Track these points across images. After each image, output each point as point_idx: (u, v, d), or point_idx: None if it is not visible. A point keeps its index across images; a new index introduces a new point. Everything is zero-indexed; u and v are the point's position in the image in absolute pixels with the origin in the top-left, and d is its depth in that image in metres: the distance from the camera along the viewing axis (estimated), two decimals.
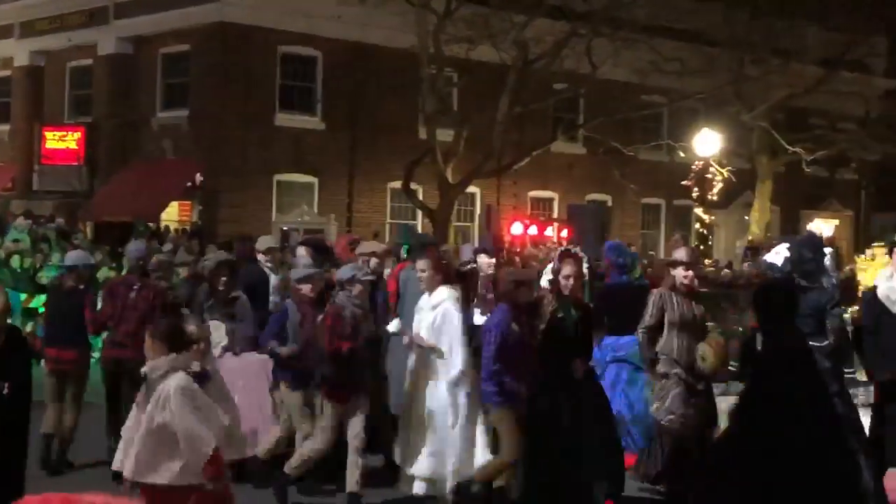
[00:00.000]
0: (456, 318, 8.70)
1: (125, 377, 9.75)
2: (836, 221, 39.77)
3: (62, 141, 29.90)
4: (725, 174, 28.41)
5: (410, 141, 27.61)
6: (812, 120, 34.80)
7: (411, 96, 26.98)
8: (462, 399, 8.66)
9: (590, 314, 8.79)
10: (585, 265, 8.88)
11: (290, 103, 28.45)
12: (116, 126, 29.36)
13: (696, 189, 28.38)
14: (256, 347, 9.65)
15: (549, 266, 9.27)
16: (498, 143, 26.01)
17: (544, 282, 9.21)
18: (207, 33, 27.50)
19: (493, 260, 10.29)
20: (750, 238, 30.64)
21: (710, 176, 28.37)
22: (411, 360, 9.01)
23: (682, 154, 29.51)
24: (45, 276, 17.88)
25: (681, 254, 9.14)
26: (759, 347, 7.19)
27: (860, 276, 18.24)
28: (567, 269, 8.52)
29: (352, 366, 8.61)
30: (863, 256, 20.89)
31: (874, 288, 9.10)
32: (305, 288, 9.20)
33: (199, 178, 27.90)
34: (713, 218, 30.49)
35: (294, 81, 28.56)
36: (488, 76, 26.21)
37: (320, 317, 8.79)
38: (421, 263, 9.08)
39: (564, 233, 26.25)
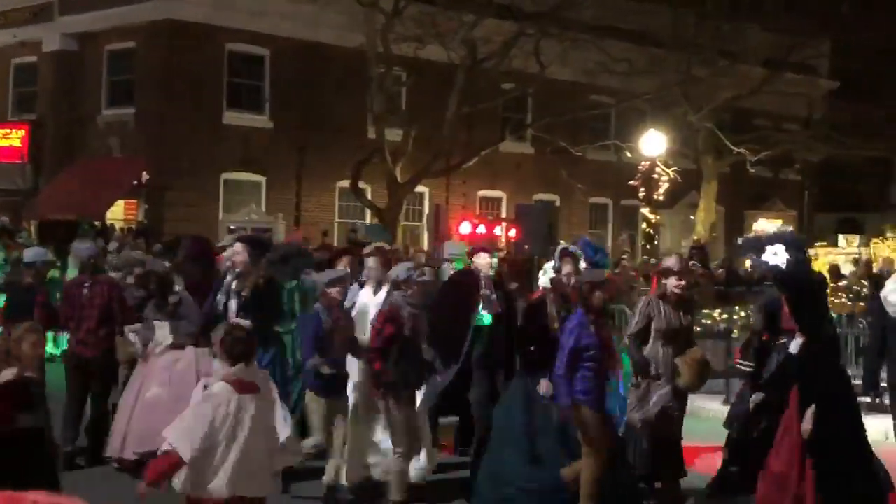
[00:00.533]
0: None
1: (90, 374, 10.19)
2: (780, 221, 40.21)
3: (6, 138, 29.51)
4: (671, 174, 28.69)
5: (359, 140, 27.59)
6: (757, 121, 35.21)
7: (360, 95, 26.96)
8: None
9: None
10: (582, 263, 8.84)
11: (237, 102, 28.31)
12: (61, 123, 29.05)
13: (642, 189, 28.65)
14: (202, 344, 9.60)
15: (548, 265, 9.21)
16: (446, 143, 26.08)
17: (544, 281, 9.02)
18: (154, 30, 27.28)
19: (493, 259, 10.35)
20: (696, 237, 30.94)
21: (656, 176, 28.65)
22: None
23: (629, 154, 29.74)
24: None
25: (672, 262, 9.10)
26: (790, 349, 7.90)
27: None
28: (567, 268, 8.57)
29: (409, 365, 8.42)
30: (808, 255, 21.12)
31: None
32: (335, 291, 8.87)
33: (145, 176, 27.67)
34: (659, 218, 30.79)
35: (242, 80, 28.42)
36: (437, 76, 26.27)
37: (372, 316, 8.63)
38: (371, 262, 9.27)
39: (513, 232, 26.35)
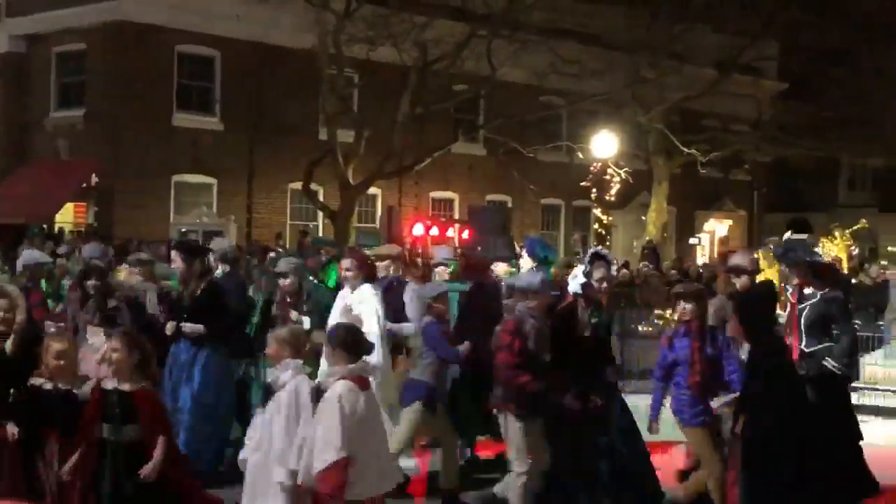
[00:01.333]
0: (378, 313, 9.04)
1: None
2: (730, 221, 40.69)
3: None
4: (623, 175, 28.91)
5: (311, 142, 27.51)
6: (706, 122, 35.55)
7: (312, 97, 26.89)
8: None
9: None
10: (614, 268, 8.44)
11: (188, 103, 28.12)
12: (9, 126, 28.71)
13: (594, 190, 28.84)
14: None
15: (577, 270, 8.73)
16: (399, 144, 26.07)
17: (574, 286, 8.51)
18: (103, 32, 27.04)
19: (512, 268, 10.35)
20: (647, 238, 31.20)
21: (608, 177, 28.88)
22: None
23: (580, 155, 29.89)
24: None
25: (743, 260, 8.80)
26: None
27: None
28: (598, 273, 8.12)
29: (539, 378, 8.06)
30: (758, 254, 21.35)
31: None
32: (440, 306, 8.85)
33: (94, 178, 27.41)
34: (611, 218, 31.00)
35: (192, 81, 28.24)
36: (389, 77, 26.25)
37: (497, 329, 8.27)
38: (346, 263, 9.42)
39: (466, 234, 26.40)
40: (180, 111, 27.93)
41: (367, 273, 9.41)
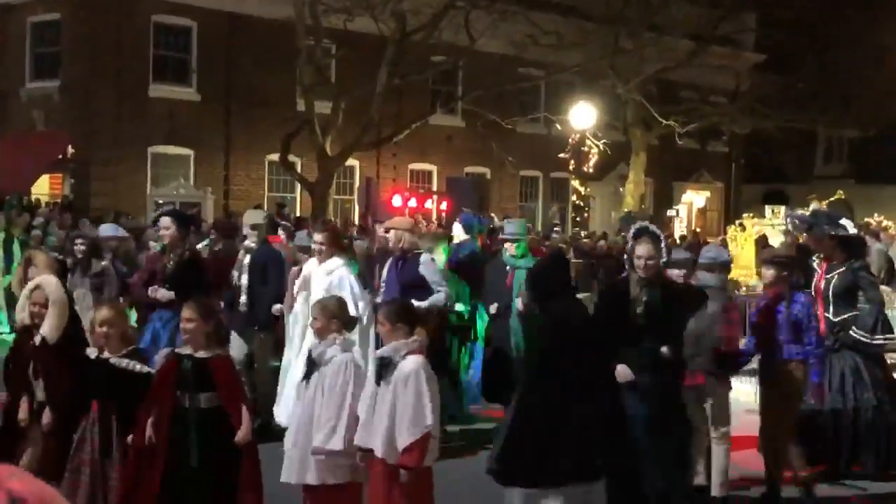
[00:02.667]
0: (350, 282, 9.27)
1: None
2: (708, 193, 40.86)
3: None
4: (601, 147, 28.94)
5: (288, 113, 27.40)
6: (684, 93, 35.62)
7: (289, 68, 26.73)
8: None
9: (680, 296, 7.69)
10: (662, 244, 7.70)
11: (164, 74, 27.93)
12: None
13: (572, 162, 28.88)
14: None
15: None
16: (377, 116, 25.98)
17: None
18: (79, 1, 26.80)
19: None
20: (625, 209, 31.26)
21: (585, 149, 28.89)
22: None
23: (559, 127, 29.90)
24: None
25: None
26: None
27: (731, 246, 18.75)
28: (640, 249, 7.49)
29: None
30: (733, 226, 21.50)
31: None
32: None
33: (70, 150, 27.24)
34: (589, 190, 31.05)
35: (168, 52, 28.04)
36: (366, 48, 26.13)
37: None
38: (318, 237, 9.63)
39: (444, 205, 26.42)
40: (156, 82, 27.75)
41: (337, 246, 9.68)
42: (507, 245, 11.00)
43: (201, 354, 6.44)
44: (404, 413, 6.19)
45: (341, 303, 6.95)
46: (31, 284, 7.43)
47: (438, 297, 9.59)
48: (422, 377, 6.25)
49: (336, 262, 9.45)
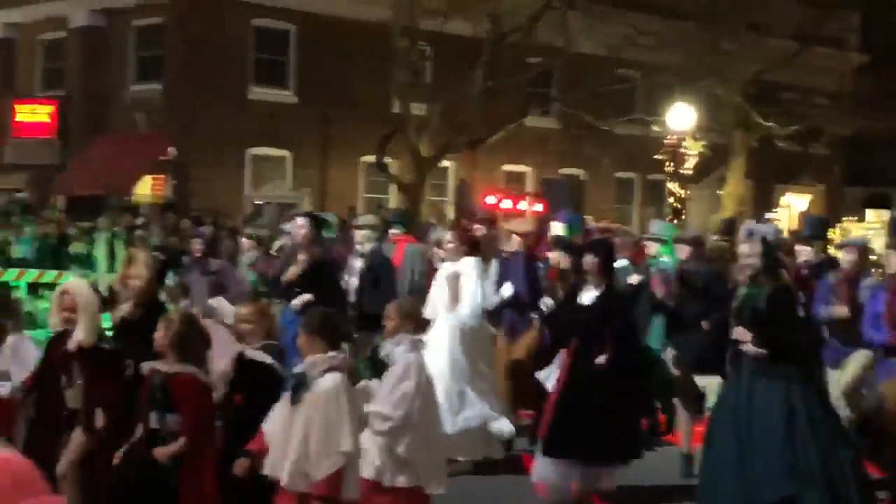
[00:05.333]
0: (480, 283, 9.35)
1: None
2: (810, 196, 40.02)
3: (34, 114, 29.67)
4: (699, 149, 28.53)
5: (384, 115, 27.56)
6: (785, 94, 34.91)
7: (385, 70, 26.90)
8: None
9: (783, 296, 7.64)
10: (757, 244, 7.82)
11: (263, 77, 28.34)
12: (89, 99, 29.18)
13: (669, 164, 28.51)
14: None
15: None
16: (471, 117, 26.00)
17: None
18: (181, 6, 27.32)
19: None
20: (727, 214, 30.76)
21: (683, 150, 28.49)
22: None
23: (656, 128, 29.57)
24: (17, 251, 17.84)
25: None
26: None
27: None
28: (746, 248, 7.70)
29: None
30: (835, 230, 21.05)
31: None
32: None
33: (171, 151, 27.78)
34: (687, 192, 30.62)
35: (267, 55, 28.44)
36: (462, 50, 26.17)
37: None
38: (448, 235, 9.83)
39: (538, 207, 26.32)
40: (256, 85, 28.16)
41: (470, 246, 9.71)
42: (648, 244, 11.03)
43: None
44: (318, 437, 5.64)
45: (416, 303, 6.95)
46: (58, 289, 7.40)
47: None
48: (341, 398, 5.69)
49: (468, 263, 9.46)
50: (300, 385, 5.71)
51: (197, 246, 11.69)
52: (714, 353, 8.56)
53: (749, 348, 7.35)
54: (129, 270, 7.73)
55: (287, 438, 5.70)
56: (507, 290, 9.93)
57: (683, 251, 9.97)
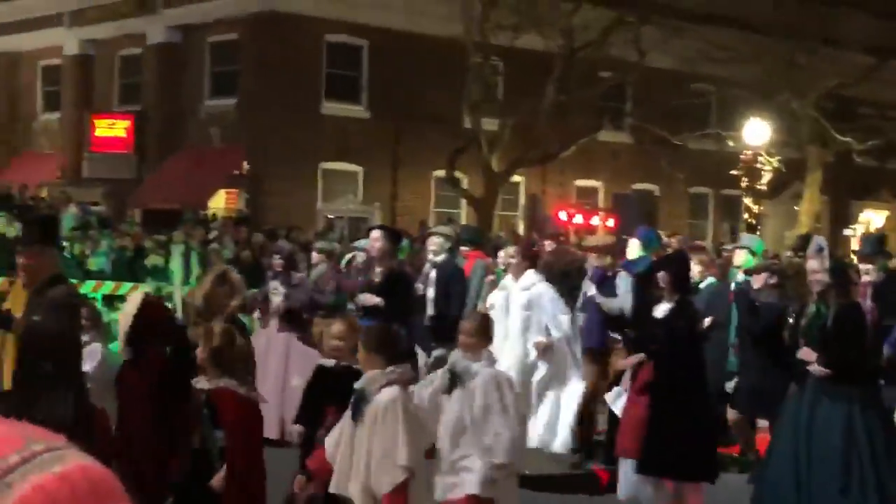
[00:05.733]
0: (550, 297, 9.27)
1: None
2: (887, 212, 39.26)
3: (111, 129, 30.19)
4: (775, 164, 28.15)
5: (455, 129, 27.58)
6: (862, 109, 34.31)
7: (456, 85, 26.94)
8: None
9: (851, 313, 7.58)
10: (826, 260, 7.78)
11: (335, 92, 28.53)
12: (165, 114, 29.60)
13: (745, 179, 28.16)
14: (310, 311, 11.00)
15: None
16: (543, 132, 25.92)
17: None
18: (256, 22, 27.62)
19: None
20: (803, 230, 30.30)
21: (759, 166, 28.15)
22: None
23: (730, 143, 29.25)
24: (94, 263, 18.11)
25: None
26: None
27: None
28: (813, 264, 7.68)
29: None
30: None
31: None
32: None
33: (245, 166, 28.06)
34: (762, 208, 30.22)
35: (340, 70, 28.63)
36: (534, 64, 26.11)
37: None
38: (510, 250, 9.83)
39: (610, 222, 26.13)
40: (328, 100, 28.36)
41: (531, 261, 9.66)
42: (737, 252, 10.97)
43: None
44: (378, 453, 5.62)
45: (488, 319, 6.92)
46: (127, 306, 7.46)
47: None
48: (398, 411, 5.65)
49: (532, 278, 9.39)
50: (360, 400, 5.70)
51: (277, 260, 11.81)
52: (770, 398, 8.49)
53: (814, 368, 7.28)
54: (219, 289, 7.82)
55: (351, 456, 5.71)
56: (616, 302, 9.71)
57: (758, 280, 9.69)
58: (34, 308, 6.67)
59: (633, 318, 9.19)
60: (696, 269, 10.25)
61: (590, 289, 9.70)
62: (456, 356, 6.61)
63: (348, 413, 5.84)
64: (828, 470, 7.07)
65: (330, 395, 6.50)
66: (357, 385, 5.80)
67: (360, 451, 5.65)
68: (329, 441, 5.91)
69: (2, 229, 18.84)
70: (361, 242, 13.23)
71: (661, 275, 8.32)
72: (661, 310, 8.27)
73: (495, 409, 6.27)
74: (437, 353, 9.91)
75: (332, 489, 5.79)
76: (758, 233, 28.73)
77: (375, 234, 10.33)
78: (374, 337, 6.00)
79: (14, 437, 1.29)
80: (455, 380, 6.41)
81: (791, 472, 7.19)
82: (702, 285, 10.26)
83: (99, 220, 22.65)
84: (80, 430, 6.50)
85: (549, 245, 13.69)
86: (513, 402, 6.36)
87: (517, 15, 25.48)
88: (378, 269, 9.96)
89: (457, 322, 10.17)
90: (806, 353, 7.34)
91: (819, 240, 8.20)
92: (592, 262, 9.94)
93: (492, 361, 6.52)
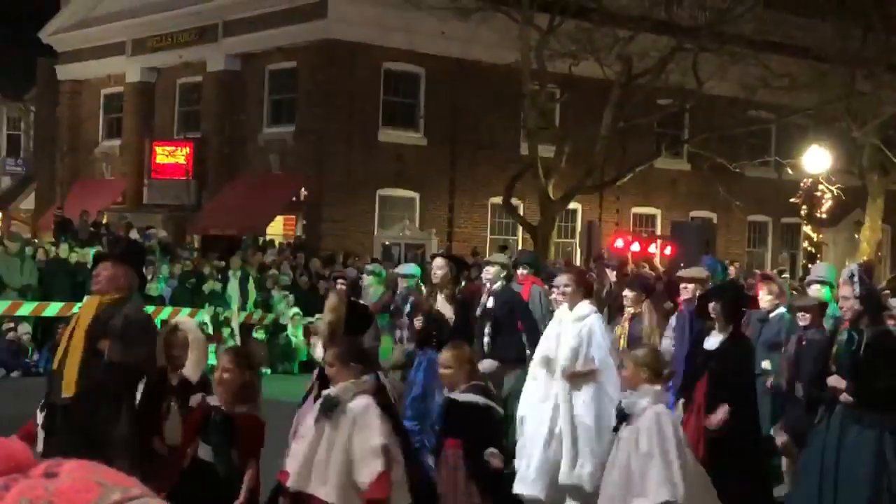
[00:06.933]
0: (600, 331, 8.80)
1: None
2: None
3: (171, 156, 30.57)
4: (835, 192, 27.80)
5: (511, 156, 27.58)
6: None
7: (513, 111, 26.95)
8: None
9: (883, 340, 7.43)
10: (858, 286, 7.61)
11: (393, 119, 28.67)
12: (224, 141, 29.91)
13: (804, 207, 27.83)
14: None
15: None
16: (600, 159, 25.83)
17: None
18: (314, 50, 27.87)
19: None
20: (864, 258, 29.88)
21: (819, 193, 27.80)
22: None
23: (790, 171, 28.95)
24: (155, 289, 18.28)
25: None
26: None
27: None
28: (845, 291, 7.59)
29: None
30: None
31: None
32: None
33: (303, 192, 28.26)
34: (822, 236, 29.83)
35: (397, 97, 28.79)
36: (591, 91, 26.04)
37: None
38: (563, 279, 9.34)
39: (668, 250, 25.92)
40: (385, 126, 28.50)
41: (586, 289, 9.31)
42: (813, 287, 10.33)
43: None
44: (360, 452, 5.96)
45: (654, 352, 6.88)
46: (169, 326, 7.49)
47: None
48: (373, 416, 6.03)
49: (586, 308, 8.93)
50: (333, 406, 6.04)
51: (342, 286, 11.88)
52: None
53: (844, 398, 7.20)
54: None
55: (314, 458, 6.01)
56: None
57: (805, 317, 9.21)
58: (108, 314, 6.76)
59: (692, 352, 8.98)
60: (765, 298, 10.01)
61: (685, 325, 9.51)
62: (627, 398, 6.56)
63: (310, 416, 6.24)
64: (856, 499, 6.97)
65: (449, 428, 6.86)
66: (331, 392, 6.15)
67: (336, 455, 5.96)
68: (297, 441, 6.28)
69: (64, 255, 19.11)
70: (402, 269, 13.39)
71: (712, 305, 8.16)
72: (711, 342, 8.14)
73: (656, 448, 6.25)
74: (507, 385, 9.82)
75: (291, 485, 6.02)
76: (813, 264, 28.39)
77: (439, 261, 10.48)
78: (347, 351, 6.37)
79: (89, 484, 1.27)
80: (622, 417, 6.51)
81: (817, 500, 7.10)
82: (771, 315, 10.00)
83: (159, 245, 22.91)
84: (134, 447, 6.59)
85: (611, 274, 13.44)
86: (674, 441, 6.30)
87: (575, 42, 25.46)
88: (441, 296, 10.11)
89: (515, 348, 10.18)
90: (836, 381, 7.26)
91: (852, 267, 8.07)
92: (686, 294, 9.77)
93: (657, 398, 6.44)
